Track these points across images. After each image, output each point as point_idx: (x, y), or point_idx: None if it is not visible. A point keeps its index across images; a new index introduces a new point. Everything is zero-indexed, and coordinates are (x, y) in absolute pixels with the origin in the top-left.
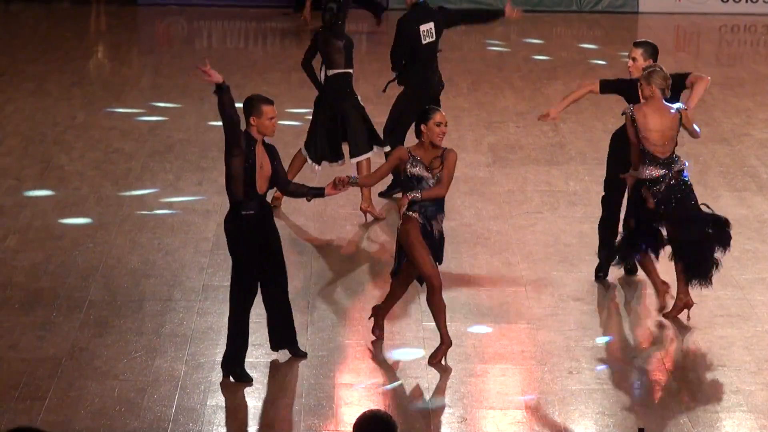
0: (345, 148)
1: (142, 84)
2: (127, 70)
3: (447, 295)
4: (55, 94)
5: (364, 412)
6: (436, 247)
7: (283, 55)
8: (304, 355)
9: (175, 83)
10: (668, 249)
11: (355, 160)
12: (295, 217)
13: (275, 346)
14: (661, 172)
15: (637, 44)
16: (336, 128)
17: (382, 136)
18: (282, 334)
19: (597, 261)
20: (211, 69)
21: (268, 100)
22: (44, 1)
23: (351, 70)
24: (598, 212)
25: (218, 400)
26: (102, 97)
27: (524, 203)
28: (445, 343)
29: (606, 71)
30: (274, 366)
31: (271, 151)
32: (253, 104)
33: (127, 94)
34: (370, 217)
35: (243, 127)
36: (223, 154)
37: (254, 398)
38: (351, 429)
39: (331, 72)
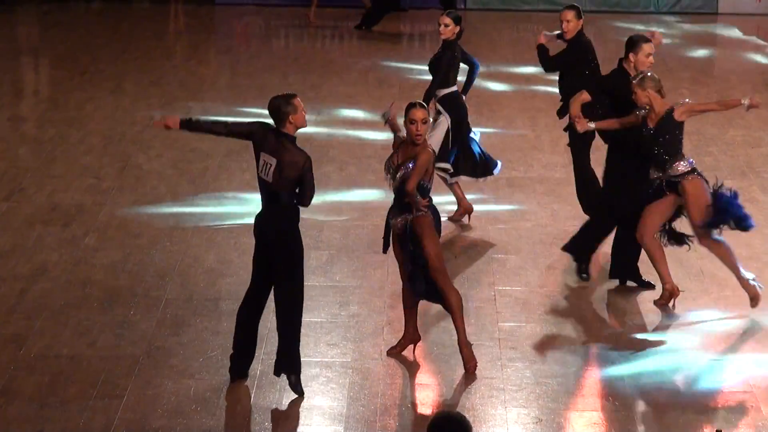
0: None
1: (219, 84)
2: (204, 70)
3: (524, 297)
4: (133, 94)
5: (439, 413)
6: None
7: (360, 55)
8: (300, 393)
9: (252, 83)
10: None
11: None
12: (376, 216)
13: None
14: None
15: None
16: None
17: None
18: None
19: (671, 262)
20: (162, 119)
21: (293, 94)
22: (124, 1)
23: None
24: None
25: (294, 399)
26: (179, 96)
27: None
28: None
29: (683, 72)
30: (349, 366)
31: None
32: (286, 104)
33: (205, 93)
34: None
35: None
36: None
37: (329, 398)
38: (426, 430)
39: (450, 90)
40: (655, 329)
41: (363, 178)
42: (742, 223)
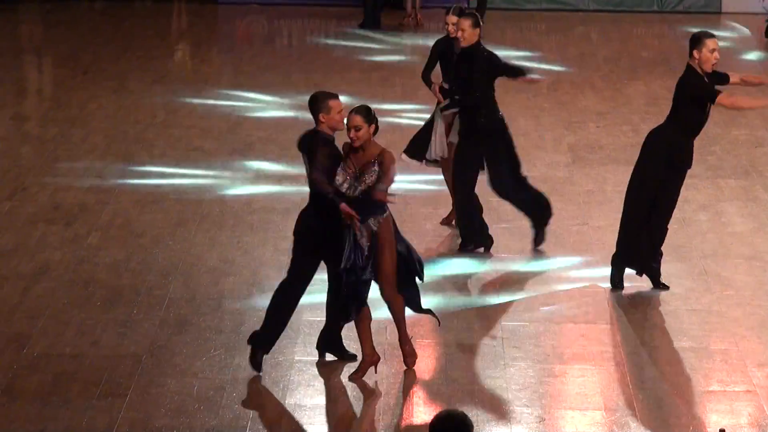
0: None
1: (222, 82)
2: (207, 69)
3: (526, 295)
4: (136, 92)
5: (440, 412)
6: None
7: (363, 53)
8: (352, 358)
9: (255, 82)
10: None
11: None
12: None
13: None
14: None
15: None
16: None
17: None
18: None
19: (674, 261)
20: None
21: (333, 95)
22: (127, 0)
23: None
24: (677, 213)
25: (297, 398)
26: (183, 95)
27: (604, 203)
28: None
29: None
30: (351, 366)
31: None
32: (319, 101)
33: (208, 92)
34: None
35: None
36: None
37: (331, 398)
38: (428, 428)
39: None
40: (658, 329)
41: None
42: None
